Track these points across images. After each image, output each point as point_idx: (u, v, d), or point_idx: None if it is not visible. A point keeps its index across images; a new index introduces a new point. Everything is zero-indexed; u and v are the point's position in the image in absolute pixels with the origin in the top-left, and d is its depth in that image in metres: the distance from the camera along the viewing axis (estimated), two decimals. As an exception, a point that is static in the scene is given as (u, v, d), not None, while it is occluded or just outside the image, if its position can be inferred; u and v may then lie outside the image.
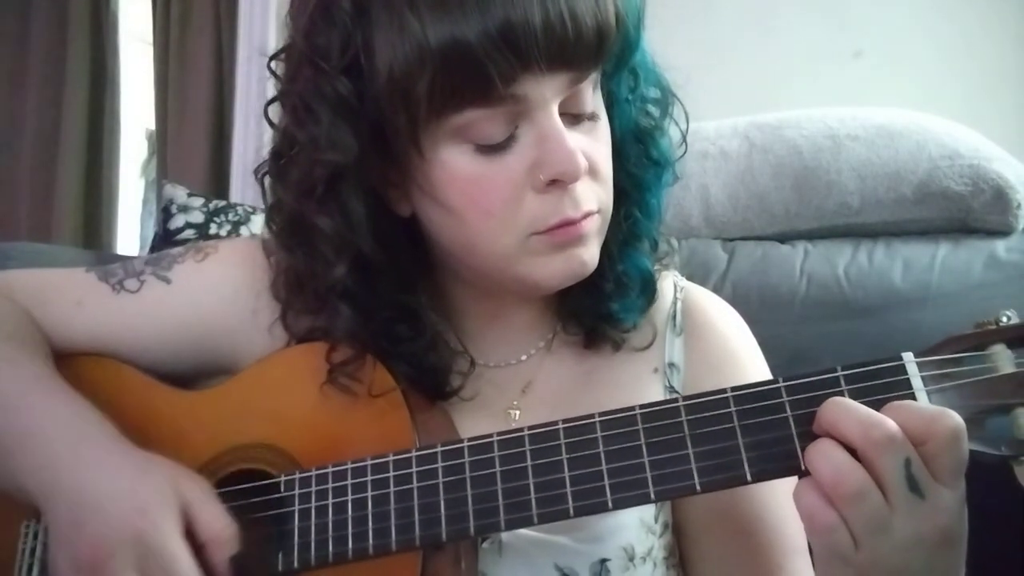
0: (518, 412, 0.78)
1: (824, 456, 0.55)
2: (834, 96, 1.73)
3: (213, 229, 1.83)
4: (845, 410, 0.55)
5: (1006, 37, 1.86)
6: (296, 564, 0.66)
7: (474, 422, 0.75)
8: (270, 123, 0.75)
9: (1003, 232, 1.31)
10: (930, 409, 0.54)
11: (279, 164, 0.73)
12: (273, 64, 0.74)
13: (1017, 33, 1.85)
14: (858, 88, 1.90)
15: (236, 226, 1.85)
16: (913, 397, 0.56)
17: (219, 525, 0.66)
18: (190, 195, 1.91)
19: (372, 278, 0.71)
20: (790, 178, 1.43)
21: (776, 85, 1.96)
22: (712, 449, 0.58)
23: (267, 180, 0.76)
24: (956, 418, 0.53)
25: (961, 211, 1.32)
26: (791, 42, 2.02)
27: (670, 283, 0.84)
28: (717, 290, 1.30)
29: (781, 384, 0.58)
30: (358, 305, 0.72)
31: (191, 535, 0.64)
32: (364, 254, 0.70)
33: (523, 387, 0.80)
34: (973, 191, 1.31)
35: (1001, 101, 1.82)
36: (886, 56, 1.94)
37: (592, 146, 0.69)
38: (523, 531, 0.72)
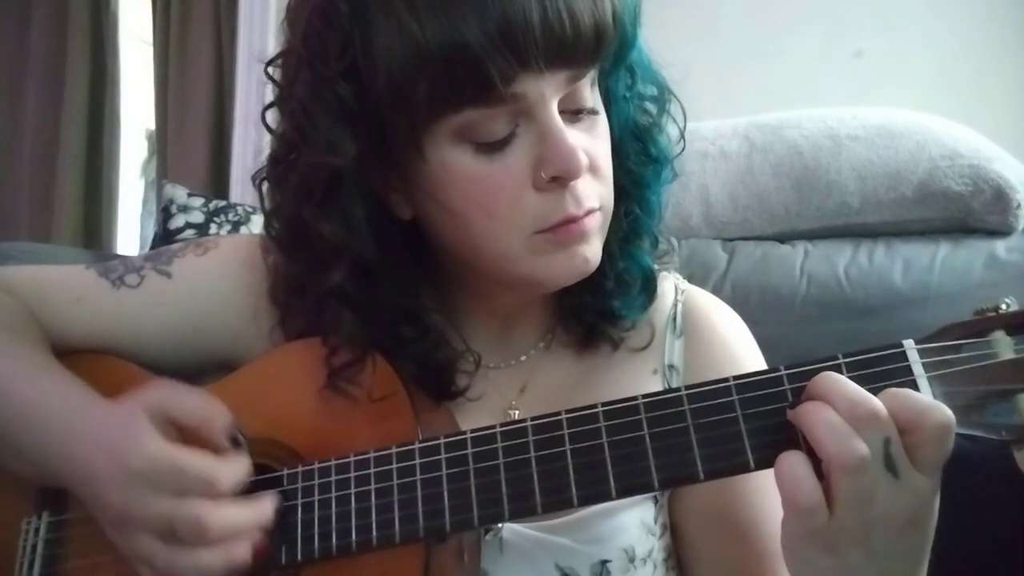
0: (517, 412, 0.79)
1: (825, 423, 0.54)
2: (834, 96, 1.73)
3: (213, 229, 1.84)
4: (835, 385, 0.55)
5: (1006, 37, 1.87)
6: (300, 556, 0.66)
7: (474, 422, 0.74)
8: (268, 128, 0.74)
9: (1003, 232, 1.31)
10: (923, 400, 0.54)
11: (278, 169, 0.73)
12: (270, 69, 0.74)
13: (1017, 33, 1.86)
14: (858, 88, 1.91)
15: (236, 226, 1.85)
16: (914, 383, 0.56)
17: (193, 407, 0.66)
18: (190, 195, 1.91)
19: (373, 282, 0.71)
20: (790, 178, 1.43)
21: (776, 85, 1.97)
22: (715, 436, 0.58)
23: (265, 186, 0.75)
24: (947, 413, 0.53)
25: (961, 211, 1.33)
26: (791, 42, 2.02)
27: (671, 284, 0.84)
28: (717, 290, 1.31)
29: (783, 372, 0.58)
30: (359, 309, 0.72)
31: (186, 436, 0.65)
32: (364, 258, 0.70)
33: (521, 387, 0.80)
34: (973, 191, 1.31)
35: (1001, 101, 1.83)
36: (886, 56, 1.94)
37: (592, 143, 0.69)
38: (525, 530, 0.72)
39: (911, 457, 0.53)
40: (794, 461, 0.55)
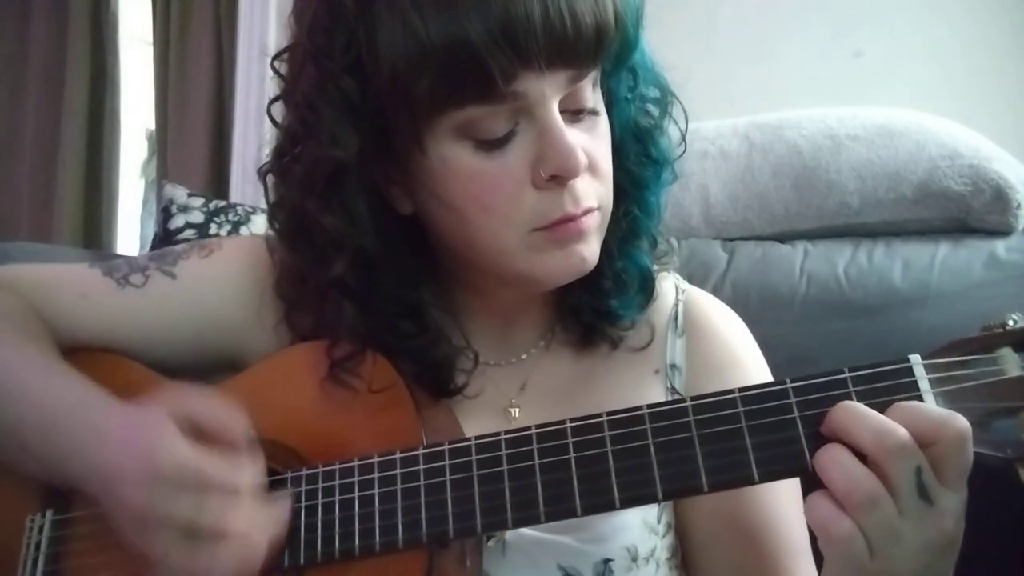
0: (517, 410, 0.79)
1: (836, 463, 0.55)
2: (834, 96, 1.72)
3: (213, 229, 1.83)
4: (857, 416, 0.55)
5: (1006, 37, 1.86)
6: (302, 560, 0.66)
7: (474, 420, 0.75)
8: (273, 122, 0.76)
9: (1003, 232, 1.31)
10: (938, 412, 0.54)
11: (282, 162, 0.74)
12: (276, 63, 0.75)
13: (1017, 33, 1.85)
14: (858, 88, 1.90)
15: (236, 226, 1.85)
16: (920, 399, 0.56)
17: (216, 411, 0.66)
18: (190, 195, 1.91)
19: (374, 275, 0.72)
20: (790, 178, 1.43)
21: (776, 85, 1.97)
22: (720, 449, 0.58)
23: (270, 178, 0.76)
24: (963, 421, 0.53)
25: (961, 211, 1.32)
26: (791, 42, 2.02)
27: (671, 284, 0.84)
28: (717, 290, 1.31)
29: (789, 385, 0.58)
30: (360, 302, 0.73)
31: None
32: (366, 251, 0.71)
33: (521, 385, 0.81)
34: (973, 191, 1.31)
35: (1001, 101, 1.82)
36: (886, 56, 1.94)
37: (592, 143, 0.69)
38: (527, 531, 0.72)
39: (938, 474, 0.54)
40: (822, 502, 0.55)
